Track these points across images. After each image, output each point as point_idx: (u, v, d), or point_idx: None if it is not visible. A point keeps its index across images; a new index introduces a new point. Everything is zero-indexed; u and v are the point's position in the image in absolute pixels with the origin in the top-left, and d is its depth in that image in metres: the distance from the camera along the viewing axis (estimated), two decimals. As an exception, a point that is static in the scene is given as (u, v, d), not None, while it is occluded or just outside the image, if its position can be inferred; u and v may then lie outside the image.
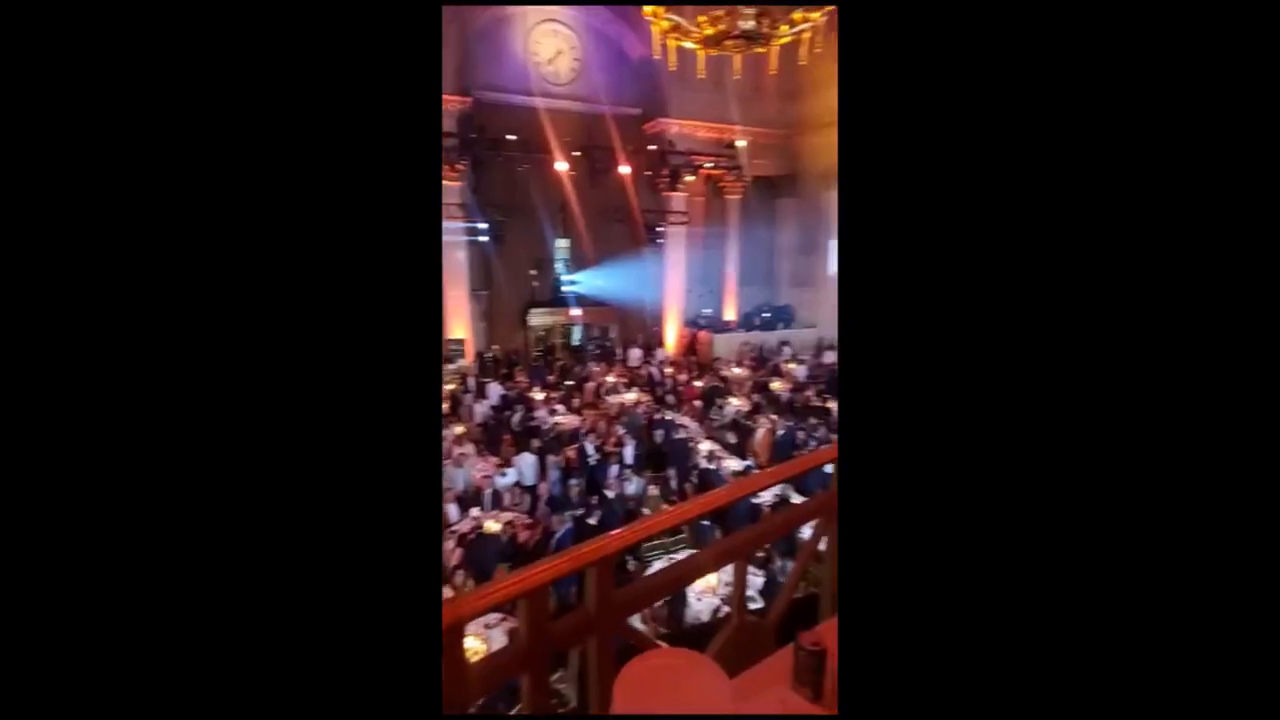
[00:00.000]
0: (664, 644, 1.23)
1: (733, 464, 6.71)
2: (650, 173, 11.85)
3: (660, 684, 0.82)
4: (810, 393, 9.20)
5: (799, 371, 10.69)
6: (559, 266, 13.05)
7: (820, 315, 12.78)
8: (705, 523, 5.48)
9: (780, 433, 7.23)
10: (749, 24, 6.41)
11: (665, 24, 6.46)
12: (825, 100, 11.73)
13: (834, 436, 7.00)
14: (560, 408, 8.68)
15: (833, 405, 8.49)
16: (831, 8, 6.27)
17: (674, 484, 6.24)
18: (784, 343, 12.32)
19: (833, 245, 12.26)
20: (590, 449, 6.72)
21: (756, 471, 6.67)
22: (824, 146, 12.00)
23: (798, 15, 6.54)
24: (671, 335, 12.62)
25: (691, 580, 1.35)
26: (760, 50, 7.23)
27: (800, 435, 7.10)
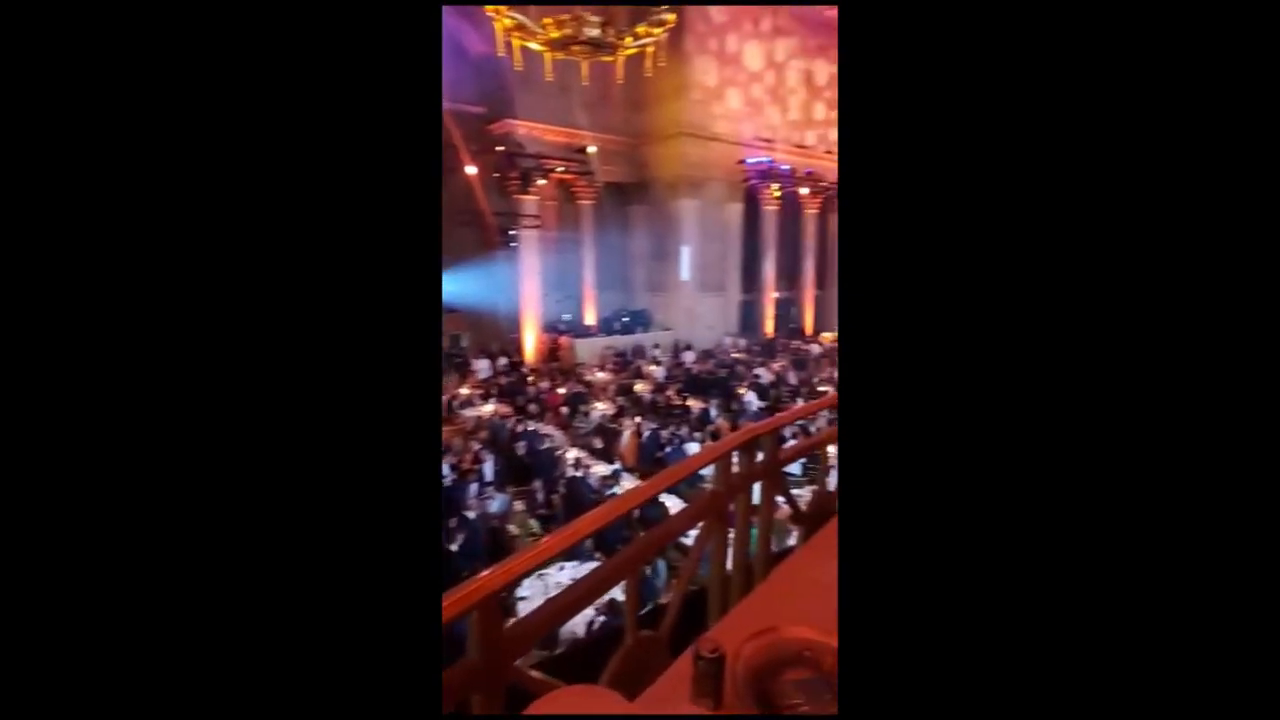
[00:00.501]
0: (544, 675, 1.10)
1: (600, 469, 6.68)
2: (499, 174, 11.46)
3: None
4: (671, 393, 9.52)
5: (658, 373, 11.03)
6: (403, 273, 12.06)
7: (675, 318, 13.35)
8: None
9: (646, 434, 7.37)
10: (594, 31, 6.47)
11: (508, 22, 6.28)
12: (670, 112, 12.30)
13: (696, 435, 7.30)
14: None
15: (693, 404, 8.88)
16: (672, 22, 6.56)
17: (540, 496, 6.04)
18: (656, 345, 12.66)
19: (685, 251, 12.88)
20: (445, 469, 6.27)
21: (625, 474, 6.73)
22: (671, 157, 12.58)
23: (641, 29, 6.76)
24: (530, 341, 12.32)
25: (584, 606, 1.24)
26: (607, 59, 7.36)
27: (664, 434, 7.29)
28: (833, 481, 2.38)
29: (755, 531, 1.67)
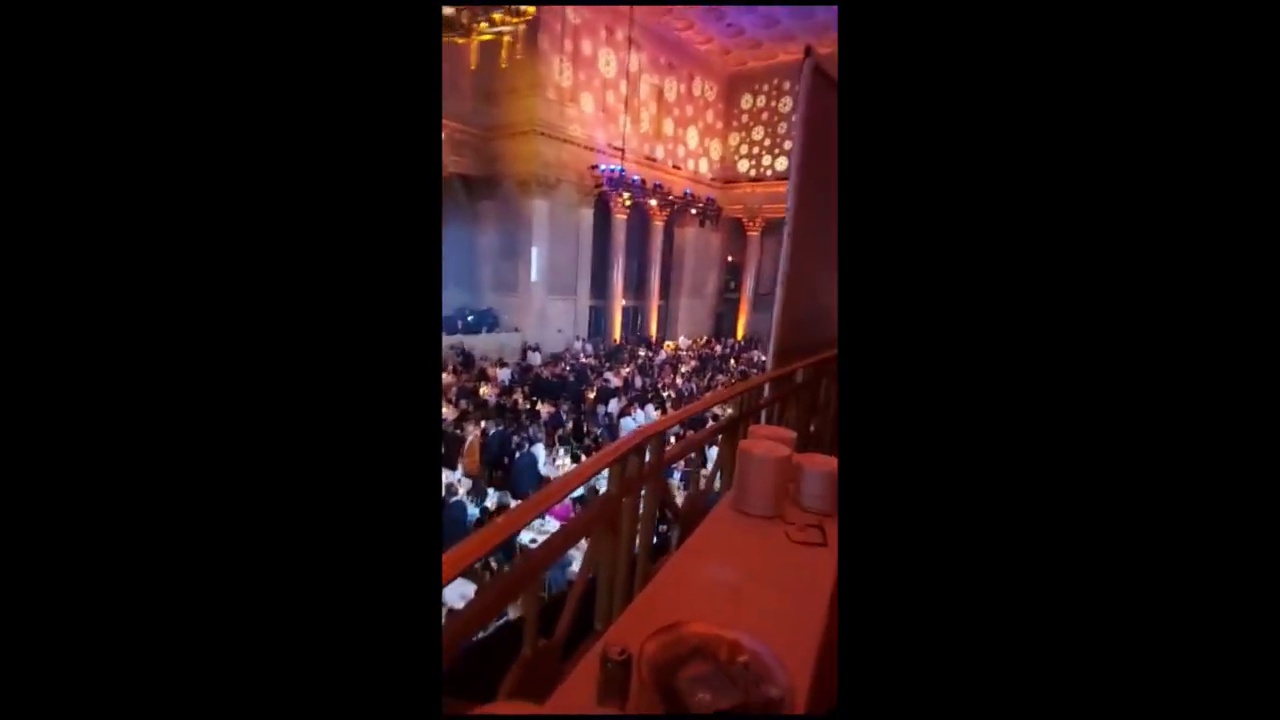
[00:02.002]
0: (461, 702, 0.98)
1: (445, 475, 6.26)
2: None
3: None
4: (518, 395, 9.27)
5: (503, 375, 10.69)
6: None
7: (524, 320, 13.05)
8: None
9: (491, 433, 7.09)
10: (448, 10, 6.09)
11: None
12: (524, 108, 12.03)
13: (540, 437, 7.18)
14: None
15: (542, 408, 8.74)
16: (532, 14, 6.43)
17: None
18: (504, 346, 12.18)
19: (535, 252, 12.66)
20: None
21: (466, 480, 6.37)
22: (522, 154, 12.30)
23: (498, 16, 6.52)
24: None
25: (484, 623, 1.12)
26: (460, 41, 6.97)
27: (514, 438, 7.06)
28: (706, 479, 2.49)
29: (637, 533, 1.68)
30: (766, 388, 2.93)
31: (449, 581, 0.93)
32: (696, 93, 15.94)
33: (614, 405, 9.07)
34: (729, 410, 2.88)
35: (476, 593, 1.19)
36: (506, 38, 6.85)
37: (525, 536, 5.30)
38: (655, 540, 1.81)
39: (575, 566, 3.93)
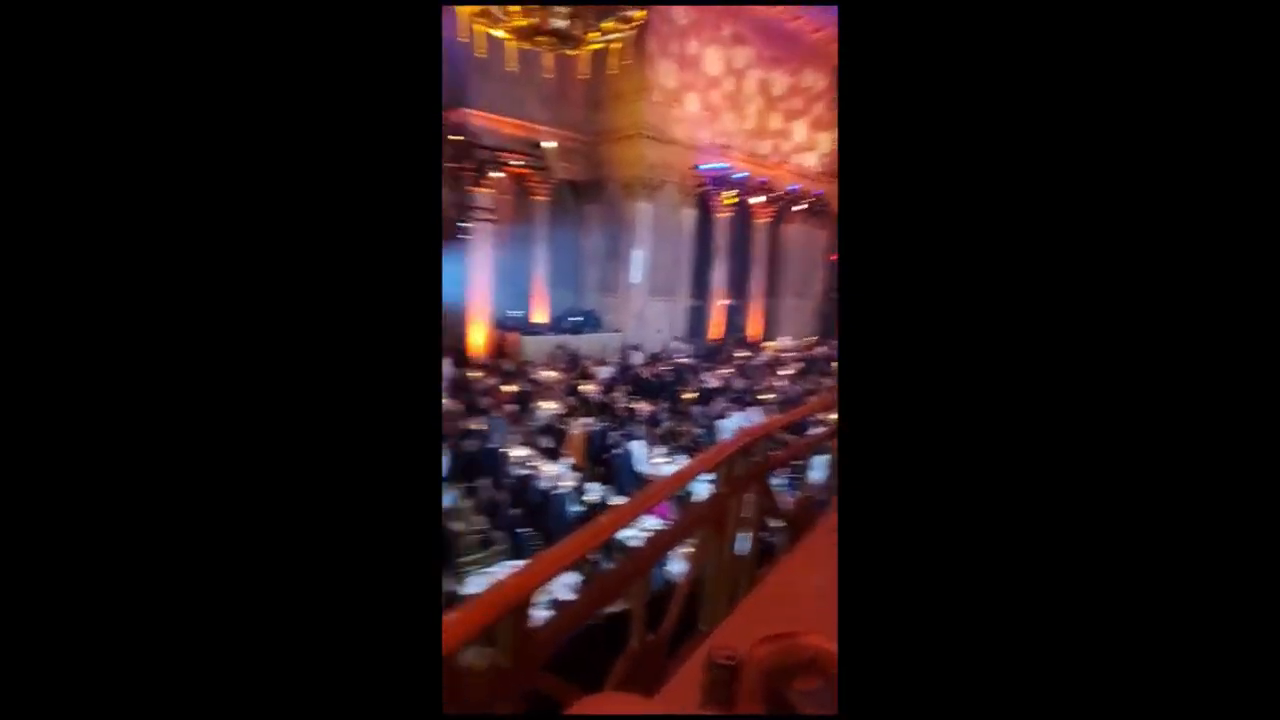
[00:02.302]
0: (573, 688, 1.04)
1: (550, 468, 6.57)
2: (453, 164, 11.09)
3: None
4: (618, 393, 9.49)
5: (604, 373, 10.98)
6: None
7: (624, 321, 13.33)
8: (522, 530, 5.27)
9: (593, 430, 7.32)
10: (562, 23, 6.38)
11: (473, 7, 6.09)
12: (630, 112, 12.30)
13: (638, 434, 7.30)
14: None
15: (639, 406, 8.89)
16: (643, 19, 6.55)
17: (487, 494, 5.87)
18: (605, 346, 12.56)
19: (636, 255, 12.89)
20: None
21: (574, 473, 6.64)
22: (627, 158, 12.58)
23: (608, 24, 6.72)
24: (478, 337, 11.98)
25: (597, 612, 1.19)
26: (571, 53, 7.26)
27: (612, 435, 7.25)
28: (814, 485, 2.42)
29: (740, 536, 1.68)
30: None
31: (561, 573, 0.99)
32: (805, 84, 15.38)
33: (720, 405, 9.01)
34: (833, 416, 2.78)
35: (583, 585, 1.24)
36: (616, 44, 7.02)
37: (627, 532, 5.42)
38: (760, 544, 1.79)
39: (671, 566, 3.97)
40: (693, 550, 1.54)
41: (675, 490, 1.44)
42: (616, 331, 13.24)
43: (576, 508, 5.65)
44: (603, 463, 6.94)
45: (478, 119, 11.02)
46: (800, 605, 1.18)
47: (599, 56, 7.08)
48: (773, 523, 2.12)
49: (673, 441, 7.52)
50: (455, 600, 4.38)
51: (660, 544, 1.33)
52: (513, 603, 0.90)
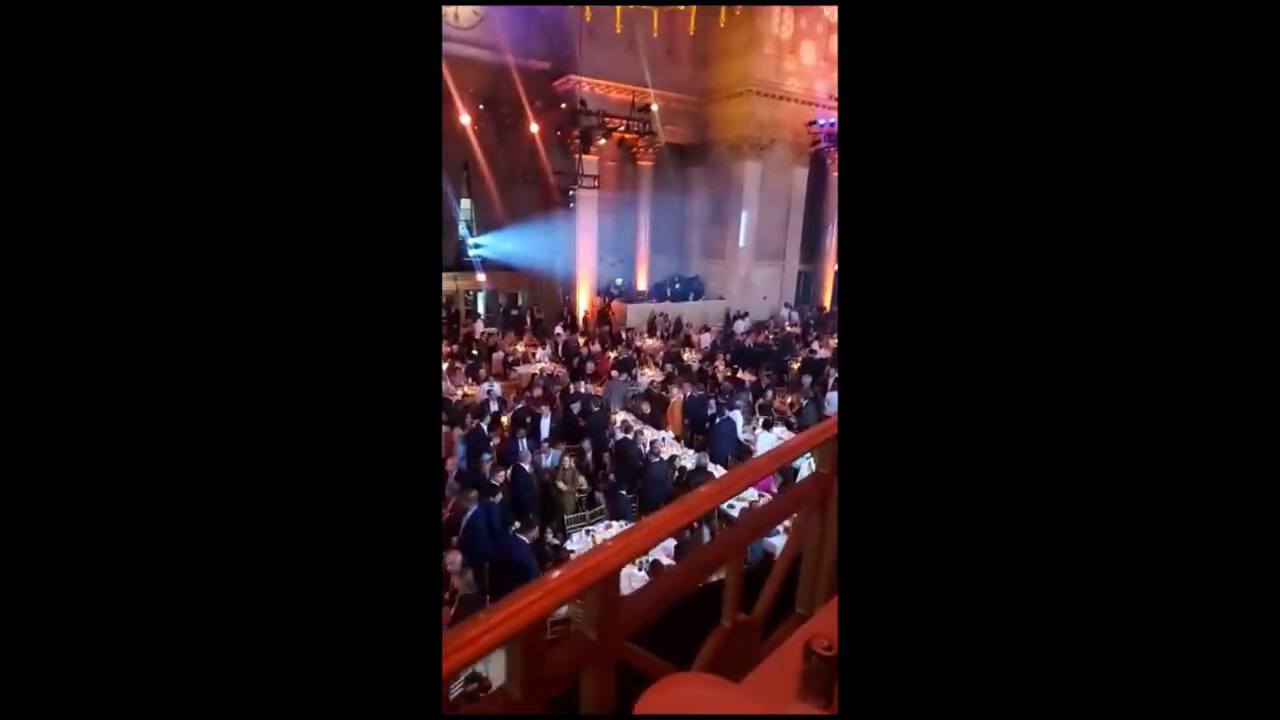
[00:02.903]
0: (662, 662, 1.06)
1: (650, 433, 6.70)
2: (560, 132, 11.31)
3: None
4: (719, 362, 9.40)
5: (706, 340, 10.89)
6: (462, 229, 12.24)
7: (729, 287, 13.06)
8: (623, 493, 5.45)
9: (692, 397, 7.34)
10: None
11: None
12: (738, 68, 11.75)
13: (738, 403, 7.19)
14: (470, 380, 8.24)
15: (744, 375, 8.74)
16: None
17: (589, 456, 6.13)
18: (707, 314, 12.49)
19: (744, 217, 12.49)
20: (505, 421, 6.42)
21: (671, 438, 6.73)
22: (735, 117, 12.09)
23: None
24: (584, 304, 12.35)
25: (691, 589, 1.20)
26: (679, 9, 7.02)
27: (711, 403, 7.22)
28: None
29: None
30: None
31: (662, 540, 0.98)
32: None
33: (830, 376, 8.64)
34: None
35: (678, 556, 1.24)
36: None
37: (726, 502, 5.43)
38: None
39: (771, 540, 3.91)
40: (791, 528, 1.49)
41: (778, 466, 1.40)
42: (720, 299, 13.03)
43: (674, 474, 5.74)
44: (703, 431, 6.96)
45: (586, 85, 11.09)
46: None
47: (707, 13, 6.77)
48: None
49: (773, 414, 7.34)
50: (562, 555, 4.66)
51: (759, 520, 1.30)
52: (603, 573, 0.92)
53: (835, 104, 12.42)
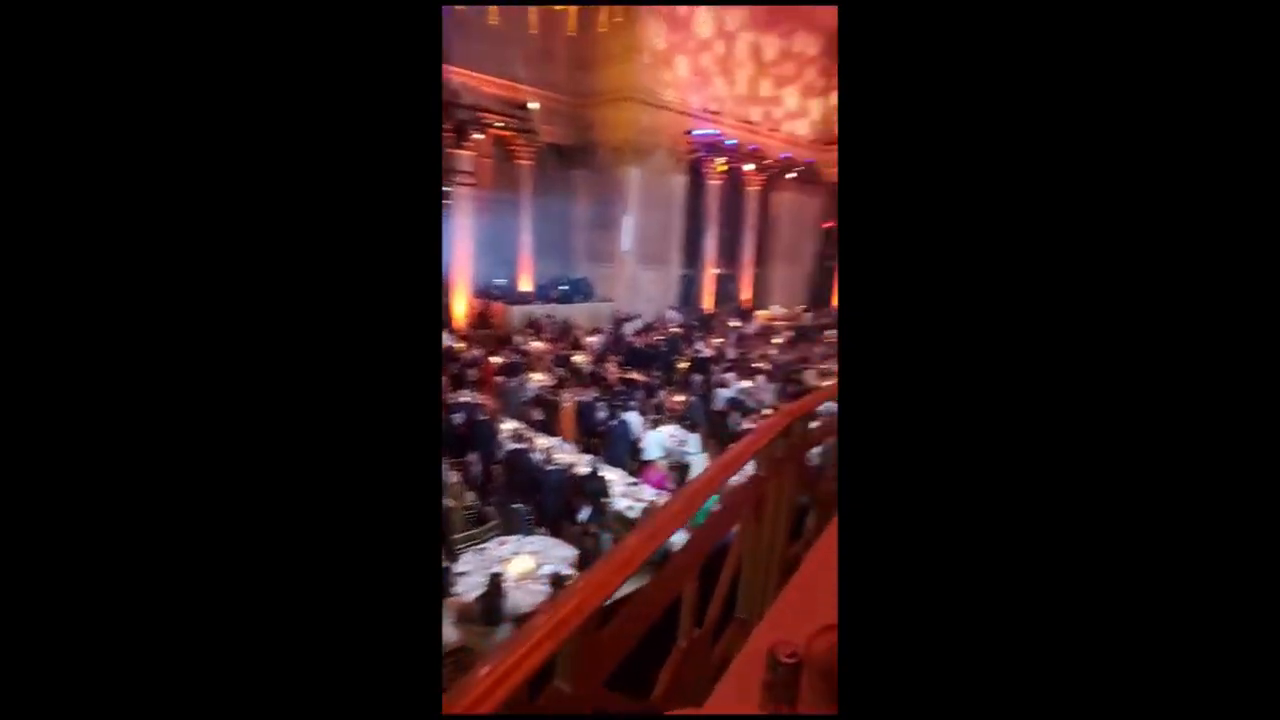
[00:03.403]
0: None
1: (543, 440, 6.45)
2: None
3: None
4: (610, 364, 9.36)
5: (596, 343, 10.83)
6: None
7: (616, 290, 13.11)
8: (516, 506, 5.16)
9: (585, 401, 7.21)
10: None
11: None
12: (620, 74, 11.83)
13: (632, 404, 7.19)
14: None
15: (636, 375, 8.78)
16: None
17: (476, 469, 5.74)
18: (595, 316, 12.36)
19: (627, 221, 12.60)
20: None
21: (568, 446, 6.53)
22: (617, 121, 12.16)
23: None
24: (460, 306, 11.70)
25: (657, 613, 1.06)
26: (558, 8, 6.88)
27: (605, 406, 7.14)
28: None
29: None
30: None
31: (626, 579, 0.89)
32: (798, 49, 14.95)
33: (728, 375, 8.89)
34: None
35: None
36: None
37: (624, 503, 5.36)
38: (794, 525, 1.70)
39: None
40: (734, 538, 1.43)
41: (723, 479, 1.32)
42: (607, 300, 13.03)
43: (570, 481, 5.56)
44: (597, 435, 6.84)
45: (457, 77, 10.50)
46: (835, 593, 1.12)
47: (588, 16, 6.71)
48: (804, 500, 2.02)
49: (664, 413, 7.43)
50: (450, 579, 4.28)
51: (703, 538, 1.21)
52: (576, 623, 0.79)
53: (709, 116, 12.99)
